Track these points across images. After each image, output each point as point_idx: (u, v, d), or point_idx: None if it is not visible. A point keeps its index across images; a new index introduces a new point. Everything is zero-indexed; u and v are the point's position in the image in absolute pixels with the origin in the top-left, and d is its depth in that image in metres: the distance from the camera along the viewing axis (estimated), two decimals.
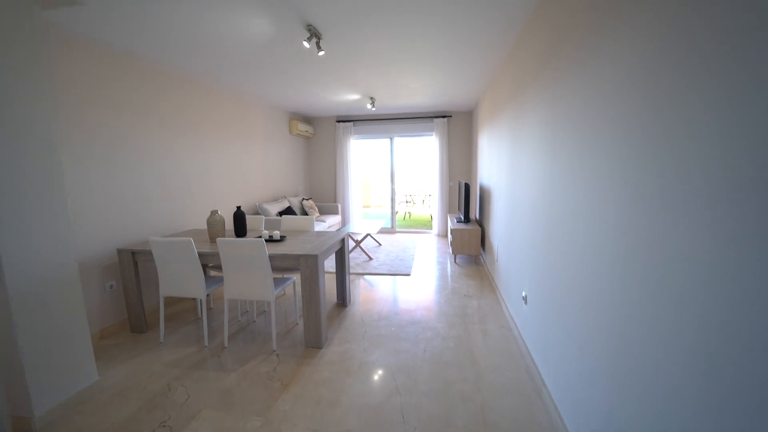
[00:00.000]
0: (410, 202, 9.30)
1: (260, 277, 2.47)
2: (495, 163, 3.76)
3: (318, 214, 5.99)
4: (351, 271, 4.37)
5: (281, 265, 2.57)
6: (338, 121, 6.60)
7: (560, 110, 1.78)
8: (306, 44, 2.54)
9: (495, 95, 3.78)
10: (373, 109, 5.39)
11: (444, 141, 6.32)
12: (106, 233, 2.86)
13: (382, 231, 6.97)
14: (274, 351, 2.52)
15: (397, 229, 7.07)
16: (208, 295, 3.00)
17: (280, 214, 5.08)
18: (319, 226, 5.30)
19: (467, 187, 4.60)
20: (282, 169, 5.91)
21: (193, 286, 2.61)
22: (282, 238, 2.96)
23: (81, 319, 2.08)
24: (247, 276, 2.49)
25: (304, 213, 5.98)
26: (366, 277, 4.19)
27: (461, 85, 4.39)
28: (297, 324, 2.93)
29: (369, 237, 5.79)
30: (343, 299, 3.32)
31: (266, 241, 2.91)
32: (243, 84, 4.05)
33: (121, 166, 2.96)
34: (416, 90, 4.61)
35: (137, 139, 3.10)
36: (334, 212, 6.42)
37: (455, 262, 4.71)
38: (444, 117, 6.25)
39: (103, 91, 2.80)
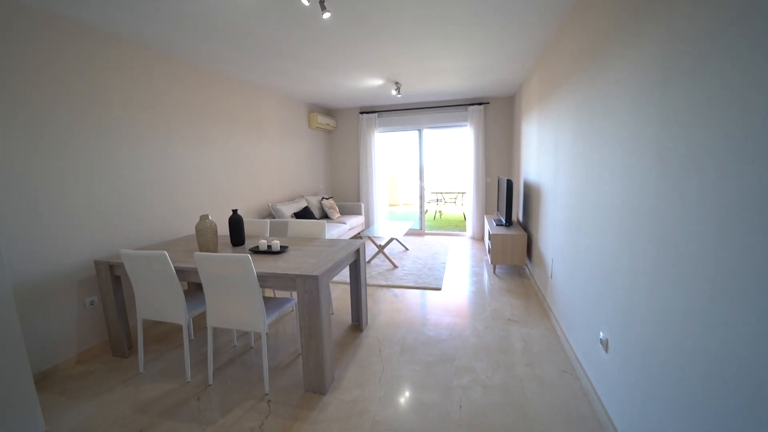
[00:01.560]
0: (441, 200, 8.57)
1: (247, 302, 1.94)
2: (549, 156, 3.02)
3: (339, 215, 5.47)
4: (372, 281, 3.79)
5: (275, 286, 2.03)
6: (362, 113, 6.03)
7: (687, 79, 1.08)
8: (305, 1, 1.96)
9: (548, 71, 3.03)
10: (399, 95, 4.76)
11: (480, 132, 5.57)
12: (86, 240, 2.45)
13: (410, 233, 6.35)
14: (266, 395, 1.98)
15: (426, 231, 6.42)
16: (194, 320, 2.53)
17: (297, 215, 4.60)
18: (339, 229, 4.77)
19: (509, 185, 3.86)
20: (300, 166, 5.44)
21: (172, 309, 2.13)
22: (282, 249, 2.42)
23: (18, 357, 1.63)
24: (232, 300, 1.97)
25: (324, 214, 5.47)
26: (388, 289, 3.59)
27: (501, 64, 3.65)
28: (300, 355, 2.39)
29: (394, 240, 5.19)
30: (358, 320, 2.74)
31: (263, 253, 2.39)
32: (252, 72, 3.57)
33: (108, 165, 2.54)
34: (447, 71, 3.93)
35: (126, 133, 2.68)
36: (357, 212, 5.87)
37: (494, 273, 4.00)
38: (480, 104, 5.50)
39: (77, 81, 2.38)
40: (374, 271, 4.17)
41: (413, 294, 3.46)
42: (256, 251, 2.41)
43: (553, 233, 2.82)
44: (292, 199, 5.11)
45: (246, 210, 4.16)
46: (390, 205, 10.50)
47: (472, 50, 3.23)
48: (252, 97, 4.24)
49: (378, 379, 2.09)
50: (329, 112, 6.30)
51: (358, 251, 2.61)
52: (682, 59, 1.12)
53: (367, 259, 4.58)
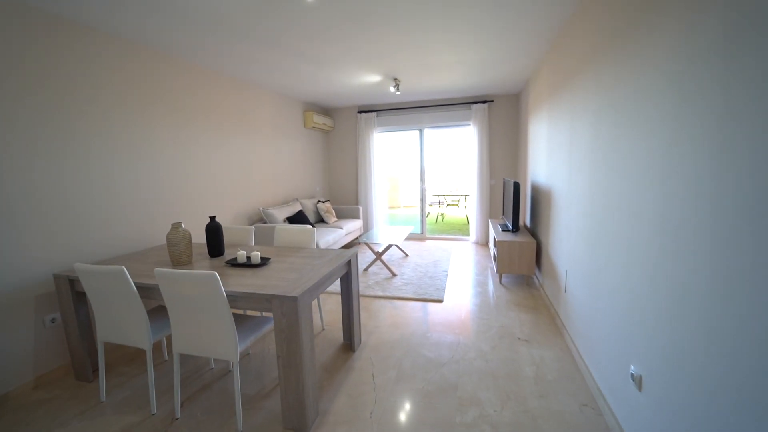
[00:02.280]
0: (443, 203, 8.28)
1: (216, 327, 1.67)
2: (561, 156, 2.74)
3: (335, 219, 5.20)
4: (368, 292, 3.51)
5: (248, 307, 1.76)
6: (360, 112, 5.77)
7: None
8: None
9: (560, 61, 2.75)
10: (398, 93, 4.49)
11: (484, 131, 5.29)
12: (47, 250, 2.20)
13: (411, 237, 6.07)
14: None
15: (427, 236, 6.14)
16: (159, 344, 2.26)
17: (290, 219, 4.33)
18: (335, 234, 4.50)
19: (516, 187, 3.58)
20: (295, 167, 5.18)
21: (134, 332, 1.86)
22: (263, 262, 2.15)
23: None
24: (199, 323, 1.70)
25: (320, 218, 5.21)
26: (385, 301, 3.31)
27: (507, 57, 3.38)
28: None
29: (393, 246, 4.90)
30: (350, 339, 2.47)
31: (241, 266, 2.12)
32: (241, 68, 3.31)
33: (78, 168, 2.29)
34: (449, 67, 3.66)
35: (96, 133, 2.43)
36: (355, 216, 5.60)
37: (500, 282, 3.71)
38: (484, 102, 5.22)
39: (47, 77, 2.13)
40: (371, 279, 3.89)
41: (412, 307, 3.18)
42: (233, 264, 2.14)
43: (567, 242, 2.53)
44: (286, 203, 4.85)
45: (235, 215, 3.90)
46: (391, 208, 10.24)
47: (474, 42, 2.96)
48: (242, 95, 3.98)
49: (369, 414, 1.82)
50: (326, 111, 6.04)
51: (349, 263, 2.34)
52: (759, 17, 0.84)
53: (364, 267, 4.31)
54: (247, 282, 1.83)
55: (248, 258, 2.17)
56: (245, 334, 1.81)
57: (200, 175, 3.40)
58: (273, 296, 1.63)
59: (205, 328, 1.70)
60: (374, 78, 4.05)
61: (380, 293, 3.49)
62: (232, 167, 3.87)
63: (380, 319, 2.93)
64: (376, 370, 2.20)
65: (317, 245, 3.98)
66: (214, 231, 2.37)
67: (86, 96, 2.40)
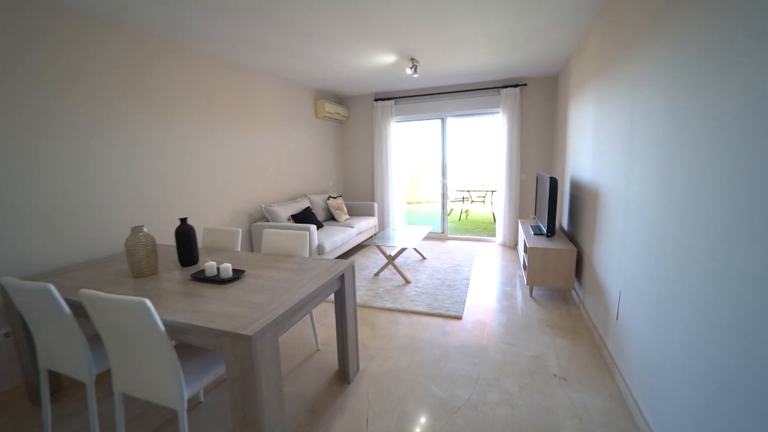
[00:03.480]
0: (468, 199, 7.68)
1: (156, 366, 1.29)
2: (614, 148, 2.15)
3: (347, 217, 4.79)
4: (376, 302, 3.08)
5: (197, 342, 1.36)
6: (376, 100, 5.29)
7: None
8: None
9: (617, 27, 2.16)
10: (416, 76, 3.97)
11: (515, 119, 4.67)
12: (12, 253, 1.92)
13: (431, 237, 5.57)
14: None
15: (449, 236, 5.61)
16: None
17: (295, 218, 3.96)
18: (344, 233, 4.09)
19: (553, 184, 3.00)
20: (304, 160, 4.80)
21: (72, 361, 1.52)
22: (236, 275, 1.76)
23: None
24: (138, 360, 1.33)
25: (330, 215, 4.82)
26: (394, 315, 2.86)
27: (545, 30, 2.78)
28: None
29: (409, 247, 4.43)
30: (344, 366, 2.04)
31: (207, 281, 1.73)
32: (240, 49, 2.93)
33: (51, 158, 1.99)
34: (475, 42, 3.11)
35: (62, 122, 2.12)
36: (369, 214, 5.16)
37: (531, 295, 3.16)
38: (516, 86, 4.59)
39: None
40: (381, 287, 3.45)
41: (425, 324, 2.71)
42: (199, 278, 1.76)
43: (621, 255, 1.97)
44: (293, 199, 4.49)
45: (233, 212, 3.57)
46: (413, 203, 9.75)
47: (505, 9, 2.40)
48: (242, 81, 3.62)
49: None
50: (340, 99, 5.61)
51: (342, 278, 1.91)
52: None
53: (375, 272, 3.88)
54: (200, 307, 1.44)
55: (218, 270, 1.79)
56: (198, 374, 1.42)
57: (191, 170, 3.07)
58: (222, 332, 1.22)
59: (144, 367, 1.32)
60: (388, 58, 3.56)
61: (389, 304, 3.04)
62: (232, 160, 3.52)
63: (385, 339, 2.48)
64: (372, 413, 1.77)
65: (321, 248, 3.58)
66: (185, 236, 2.00)
67: (72, 83, 2.08)
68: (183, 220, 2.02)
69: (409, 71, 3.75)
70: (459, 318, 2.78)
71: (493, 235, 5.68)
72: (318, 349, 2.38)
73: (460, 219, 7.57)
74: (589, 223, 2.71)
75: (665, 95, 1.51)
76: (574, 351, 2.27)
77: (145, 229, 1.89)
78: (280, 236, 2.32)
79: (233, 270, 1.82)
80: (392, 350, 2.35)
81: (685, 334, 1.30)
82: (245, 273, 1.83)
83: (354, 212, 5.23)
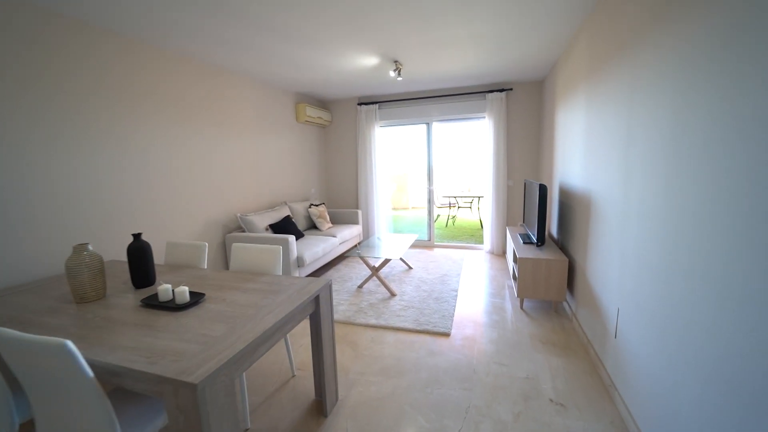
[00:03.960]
0: (454, 205, 7.57)
1: (88, 417, 1.07)
2: (610, 153, 2.03)
3: (329, 225, 4.58)
4: (359, 318, 2.89)
5: (136, 388, 1.14)
6: (360, 104, 5.12)
7: None
8: None
9: (611, 26, 2.05)
10: (400, 79, 3.82)
11: (501, 124, 4.57)
12: None
13: (417, 245, 5.41)
14: None
15: (435, 243, 5.46)
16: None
17: (274, 227, 3.74)
18: (326, 243, 3.88)
19: (543, 192, 2.88)
20: (285, 167, 4.58)
21: None
22: (193, 300, 1.54)
23: None
24: (65, 410, 1.10)
25: (312, 224, 4.60)
26: (378, 332, 2.67)
27: (532, 30, 2.68)
28: None
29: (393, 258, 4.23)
30: (321, 396, 1.83)
31: (159, 307, 1.51)
32: (210, 48, 2.71)
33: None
34: (460, 43, 2.98)
35: (23, 124, 1.87)
36: (353, 222, 4.97)
37: (522, 308, 3.02)
38: (501, 91, 4.50)
39: None
40: (364, 300, 3.26)
41: (411, 342, 2.53)
42: (152, 304, 1.54)
43: (620, 269, 1.84)
44: (272, 207, 4.26)
45: (205, 223, 3.32)
46: (399, 210, 9.59)
47: (492, 6, 2.28)
48: (216, 83, 3.39)
49: None
50: (322, 103, 5.42)
51: (317, 299, 1.71)
52: None
53: (359, 283, 3.68)
54: (145, 342, 1.22)
55: (172, 294, 1.56)
56: (139, 424, 1.20)
57: (156, 177, 2.82)
58: (162, 379, 1.01)
59: (71, 417, 1.10)
60: (371, 60, 3.40)
61: (373, 320, 2.85)
62: (203, 166, 3.28)
63: (368, 361, 2.29)
64: None
65: (300, 260, 3.37)
66: (138, 254, 1.77)
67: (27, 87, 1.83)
68: (136, 236, 1.79)
69: (392, 74, 3.60)
70: (447, 335, 2.61)
71: (481, 242, 5.57)
72: (293, 375, 2.17)
73: (447, 225, 7.44)
74: (581, 233, 2.59)
75: (669, 98, 1.38)
76: (569, 371, 2.13)
77: (90, 248, 1.65)
78: (250, 252, 2.11)
79: (191, 293, 1.60)
80: (375, 374, 2.15)
81: (699, 363, 1.16)
82: (205, 297, 1.61)
83: (337, 220, 5.02)
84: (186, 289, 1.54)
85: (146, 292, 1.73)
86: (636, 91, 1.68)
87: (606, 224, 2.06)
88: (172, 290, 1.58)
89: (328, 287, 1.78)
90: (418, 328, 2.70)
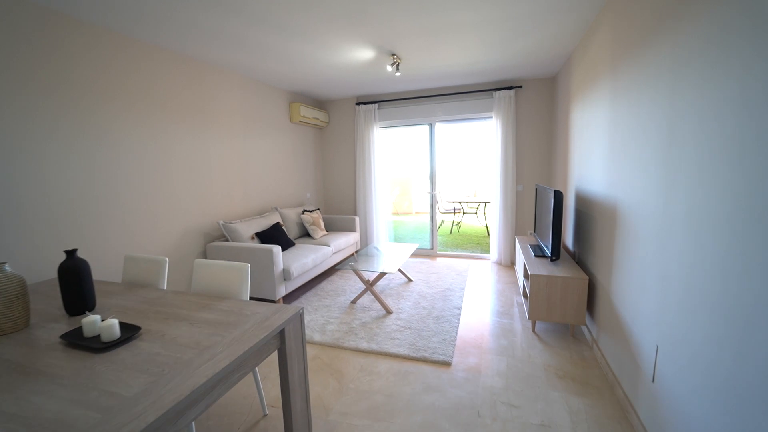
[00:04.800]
0: (459, 211, 7.21)
1: None
2: (645, 153, 1.68)
3: (324, 233, 4.27)
4: (347, 341, 2.56)
5: None
6: (358, 104, 4.82)
7: None
8: None
9: (632, 16, 1.71)
10: (398, 74, 3.50)
11: (509, 125, 4.23)
12: None
13: (419, 254, 5.07)
14: None
15: (438, 252, 5.11)
16: None
17: (261, 236, 3.44)
18: (317, 254, 3.56)
19: (558, 199, 2.53)
20: (277, 169, 4.29)
21: None
22: (124, 337, 1.22)
23: None
24: None
25: (305, 232, 4.30)
26: (368, 359, 2.34)
27: (547, 13, 2.35)
28: None
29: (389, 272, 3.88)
30: None
31: (81, 345, 1.20)
32: (183, 40, 2.44)
33: None
34: (463, 31, 2.66)
35: None
36: (350, 229, 4.65)
37: (533, 331, 2.66)
38: (510, 88, 4.16)
39: None
40: (357, 318, 2.93)
41: (406, 372, 2.19)
42: (73, 341, 1.23)
43: (661, 298, 1.49)
44: (261, 214, 3.96)
45: (183, 231, 3.03)
46: (403, 215, 9.26)
47: (499, 6, 1.96)
48: (201, 79, 3.11)
49: None
50: (319, 103, 5.13)
51: (282, 334, 1.39)
52: None
53: (353, 297, 3.36)
54: (31, 405, 0.90)
55: (99, 329, 1.25)
56: None
57: (124, 179, 2.54)
58: None
59: None
60: (365, 53, 3.09)
61: (364, 344, 2.51)
62: (182, 169, 3.00)
63: (354, 397, 1.95)
64: None
65: (286, 272, 3.05)
66: (72, 275, 1.47)
67: None
68: (70, 253, 1.49)
69: (390, 68, 3.28)
70: (447, 365, 2.26)
71: (487, 251, 5.20)
72: (265, 414, 1.84)
73: (451, 232, 7.09)
74: (603, 247, 2.23)
75: (736, 77, 1.04)
76: (593, 415, 1.77)
77: (7, 268, 1.35)
78: (213, 270, 1.80)
79: (125, 326, 1.29)
80: (361, 415, 1.81)
81: None
82: (140, 332, 1.30)
83: (333, 227, 4.71)
84: (115, 322, 1.23)
85: (79, 321, 1.43)
86: (682, 74, 1.33)
87: (638, 240, 1.71)
88: (102, 319, 1.27)
89: (299, 318, 1.46)
90: (415, 355, 2.35)
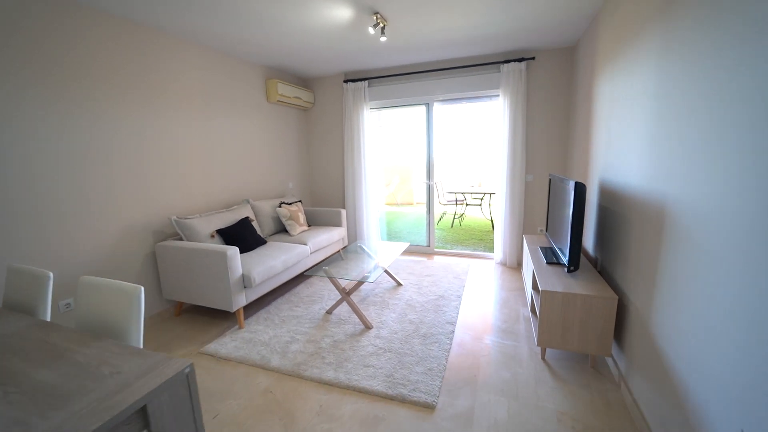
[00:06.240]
0: (462, 202, 6.62)
1: None
2: (719, 130, 1.11)
3: (304, 228, 3.76)
4: (308, 368, 2.06)
5: None
6: (346, 81, 4.24)
7: None
8: None
9: None
10: (384, 38, 2.89)
11: (519, 104, 3.61)
12: None
13: (413, 251, 4.55)
14: None
15: (435, 249, 4.57)
16: None
17: (224, 234, 2.93)
18: (291, 253, 3.06)
19: (580, 193, 1.96)
20: (251, 156, 3.76)
21: None
22: None
23: None
24: None
25: (282, 227, 3.79)
26: (331, 396, 1.84)
27: None
28: None
29: (383, 271, 3.33)
30: None
31: None
32: (132, 6, 1.89)
33: None
34: None
35: None
36: (336, 223, 4.12)
37: (543, 358, 2.14)
38: (520, 60, 3.54)
39: None
40: (328, 335, 2.43)
41: (376, 418, 1.68)
42: None
43: (745, 346, 0.94)
44: (228, 207, 3.46)
45: (125, 228, 2.54)
46: (403, 205, 8.72)
47: None
48: (148, 48, 2.57)
49: None
50: (303, 81, 4.56)
51: (144, 412, 0.88)
52: None
53: (326, 309, 2.86)
54: None
55: None
56: None
57: (41, 163, 2.04)
58: None
59: None
60: (342, 12, 2.51)
61: (330, 373, 2.01)
62: (124, 155, 2.49)
63: None
64: None
65: (247, 279, 2.55)
66: None
67: None
68: None
69: (372, 31, 2.70)
70: (431, 408, 1.75)
71: (491, 249, 4.65)
72: None
73: (452, 225, 6.53)
74: (641, 259, 1.68)
75: None
76: None
77: None
78: (100, 292, 1.29)
79: None
80: None
81: None
82: None
83: (317, 221, 4.19)
84: None
85: None
86: None
87: (702, 257, 1.15)
88: None
89: (185, 379, 0.95)
90: (391, 393, 1.85)
